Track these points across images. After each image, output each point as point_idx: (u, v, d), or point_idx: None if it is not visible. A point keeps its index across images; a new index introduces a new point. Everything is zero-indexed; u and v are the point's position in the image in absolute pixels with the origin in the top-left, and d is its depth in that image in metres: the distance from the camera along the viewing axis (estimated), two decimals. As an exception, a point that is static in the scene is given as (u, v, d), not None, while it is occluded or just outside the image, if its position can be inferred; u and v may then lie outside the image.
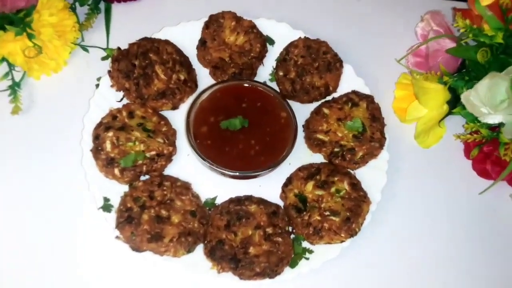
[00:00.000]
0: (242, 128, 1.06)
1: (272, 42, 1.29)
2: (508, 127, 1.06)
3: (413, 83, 1.18)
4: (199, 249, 1.00)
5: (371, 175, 1.12)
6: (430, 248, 1.12)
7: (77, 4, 1.27)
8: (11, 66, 1.16)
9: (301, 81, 1.20)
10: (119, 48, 1.17)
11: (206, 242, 1.00)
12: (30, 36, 1.10)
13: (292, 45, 1.25)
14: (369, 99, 1.18)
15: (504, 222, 1.16)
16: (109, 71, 1.16)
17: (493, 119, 1.04)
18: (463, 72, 1.21)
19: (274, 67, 1.26)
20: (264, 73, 1.26)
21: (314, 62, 1.21)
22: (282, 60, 1.24)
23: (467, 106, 1.09)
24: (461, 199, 1.18)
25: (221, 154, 1.04)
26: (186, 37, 1.25)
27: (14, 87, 1.13)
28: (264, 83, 1.18)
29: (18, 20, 1.13)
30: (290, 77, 1.20)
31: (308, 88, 1.20)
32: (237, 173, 1.05)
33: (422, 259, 1.11)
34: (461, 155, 1.23)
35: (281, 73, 1.22)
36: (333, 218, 1.02)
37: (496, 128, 1.14)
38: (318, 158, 1.15)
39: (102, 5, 1.30)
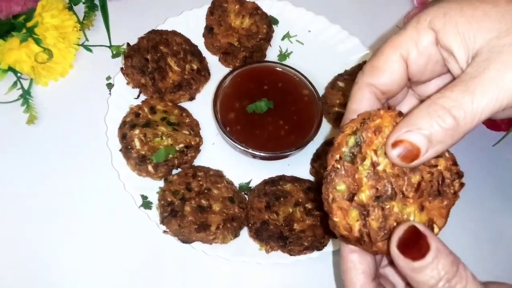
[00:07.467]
0: (268, 110, 1.07)
1: (276, 21, 1.29)
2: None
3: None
4: (243, 233, 1.02)
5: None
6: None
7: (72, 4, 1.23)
8: (17, 75, 1.12)
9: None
10: (129, 44, 1.15)
11: (250, 225, 1.01)
12: (37, 41, 1.06)
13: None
14: (381, 67, 1.20)
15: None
16: (121, 68, 1.13)
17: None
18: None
19: (281, 46, 1.27)
20: (272, 54, 1.26)
21: None
22: None
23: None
24: (476, 153, 1.23)
25: (252, 137, 1.05)
26: (191, 26, 1.23)
27: (26, 96, 1.09)
28: (281, 63, 1.18)
29: (19, 26, 1.08)
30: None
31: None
32: (272, 154, 1.06)
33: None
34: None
35: None
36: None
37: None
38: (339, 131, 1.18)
39: (97, 3, 1.27)
